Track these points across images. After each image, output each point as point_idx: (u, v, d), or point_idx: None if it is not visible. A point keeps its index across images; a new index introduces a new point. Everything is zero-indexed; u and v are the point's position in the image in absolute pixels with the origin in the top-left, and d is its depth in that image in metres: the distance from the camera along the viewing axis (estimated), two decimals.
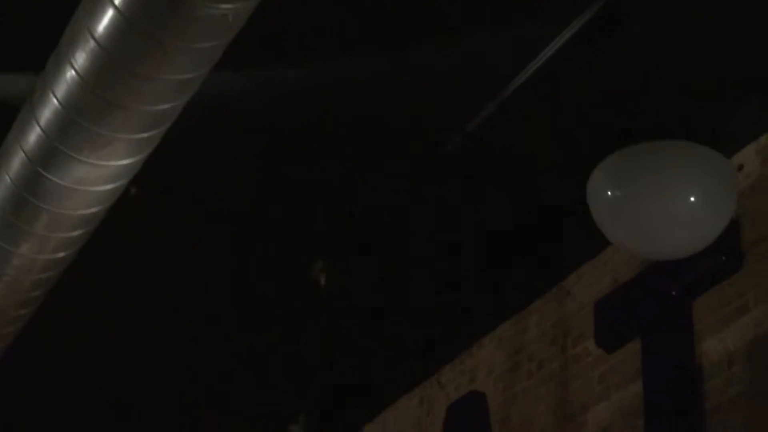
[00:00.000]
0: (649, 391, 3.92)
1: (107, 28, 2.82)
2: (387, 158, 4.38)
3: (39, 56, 3.27)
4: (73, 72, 2.98)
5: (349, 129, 4.24)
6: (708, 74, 3.68)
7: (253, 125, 4.19)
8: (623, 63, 3.57)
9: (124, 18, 2.76)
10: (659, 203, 2.90)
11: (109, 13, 2.78)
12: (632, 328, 4.16)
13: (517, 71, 3.74)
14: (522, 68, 3.71)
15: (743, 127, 4.01)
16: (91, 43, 2.87)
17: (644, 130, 3.20)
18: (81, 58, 2.93)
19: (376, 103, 3.99)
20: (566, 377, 4.46)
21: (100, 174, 3.31)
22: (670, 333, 3.97)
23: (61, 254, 3.72)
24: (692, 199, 2.93)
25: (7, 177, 3.43)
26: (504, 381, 4.84)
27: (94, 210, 3.51)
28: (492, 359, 4.99)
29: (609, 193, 3.02)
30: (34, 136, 3.25)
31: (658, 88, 3.57)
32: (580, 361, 4.42)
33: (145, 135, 3.18)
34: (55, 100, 3.10)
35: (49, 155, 3.26)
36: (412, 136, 4.26)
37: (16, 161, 3.37)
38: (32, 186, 3.39)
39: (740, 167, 3.98)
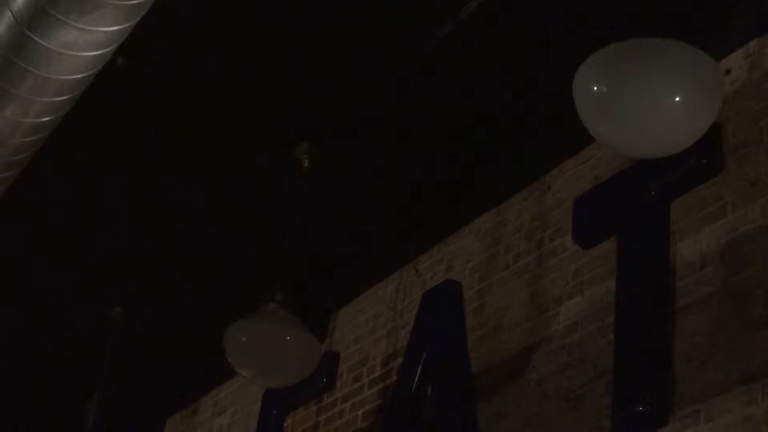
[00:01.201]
0: (621, 288, 3.98)
1: None
2: (378, 44, 4.37)
3: None
4: None
5: (343, 11, 4.23)
6: None
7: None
8: None
9: None
10: (644, 100, 2.90)
11: None
12: (609, 225, 4.21)
13: None
14: None
15: (733, 32, 4.01)
16: None
17: (635, 28, 3.18)
18: None
19: None
20: (541, 271, 4.52)
21: (87, 39, 3.30)
22: (646, 232, 4.01)
23: (46, 119, 3.73)
24: (678, 98, 2.93)
25: None
26: (480, 271, 4.90)
27: (79, 76, 3.50)
28: (470, 249, 5.04)
29: (595, 88, 3.01)
30: None
31: None
32: (556, 255, 4.48)
33: (134, 1, 3.15)
34: None
35: (37, 18, 3.24)
36: (403, 24, 4.25)
37: (3, 23, 3.35)
38: (19, 48, 3.38)
39: (728, 72, 3.99)
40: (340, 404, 5.44)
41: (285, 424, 5.82)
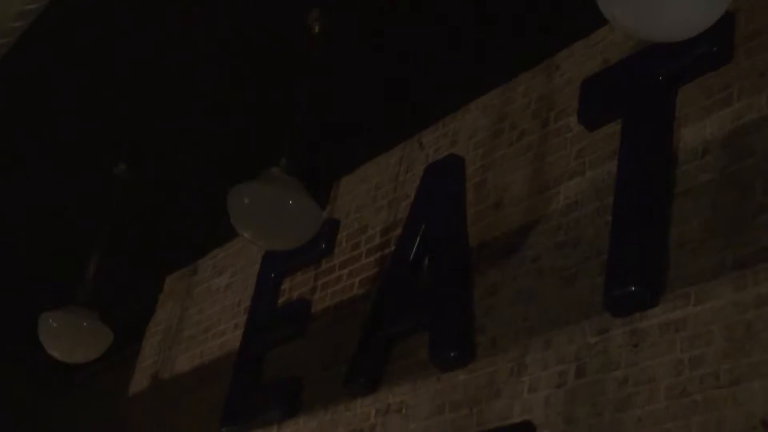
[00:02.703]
0: (622, 170, 4.03)
1: None
2: None
3: None
4: None
5: None
6: None
7: None
8: None
9: None
10: None
11: None
12: (615, 108, 4.24)
13: None
14: None
15: None
16: None
17: None
18: None
19: None
20: (545, 150, 4.56)
21: None
22: (651, 116, 4.05)
23: None
24: None
25: None
26: (484, 147, 4.94)
27: None
28: (475, 125, 5.07)
29: None
30: None
31: None
32: (560, 135, 4.51)
33: None
34: None
35: None
36: None
37: None
38: None
39: None
40: (337, 270, 5.54)
41: (282, 287, 5.94)
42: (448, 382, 4.39)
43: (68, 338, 5.69)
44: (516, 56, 4.89)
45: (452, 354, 4.39)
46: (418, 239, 4.92)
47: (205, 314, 6.61)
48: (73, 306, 5.72)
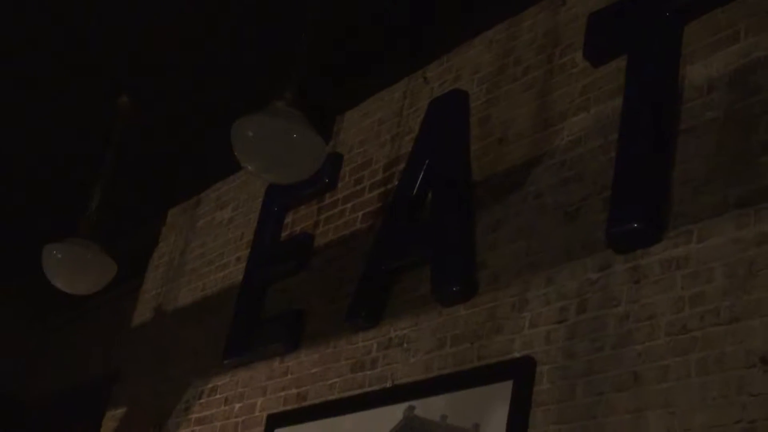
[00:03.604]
0: (627, 107, 4.02)
1: None
2: None
3: None
4: None
5: None
6: None
7: None
8: None
9: None
10: None
11: None
12: (621, 44, 4.21)
13: None
14: None
15: None
16: None
17: None
18: None
19: None
20: (549, 85, 4.54)
21: None
22: (657, 53, 4.02)
23: None
24: None
25: None
26: (488, 82, 4.92)
27: None
28: (479, 60, 5.05)
29: None
30: None
31: None
32: (566, 71, 4.49)
33: None
34: None
35: None
36: None
37: None
38: None
39: None
40: (340, 205, 5.55)
41: (285, 221, 5.95)
42: (449, 317, 4.42)
43: (72, 269, 5.72)
44: None
45: (454, 289, 4.41)
46: (421, 174, 4.93)
47: (207, 247, 6.64)
48: (76, 238, 5.74)
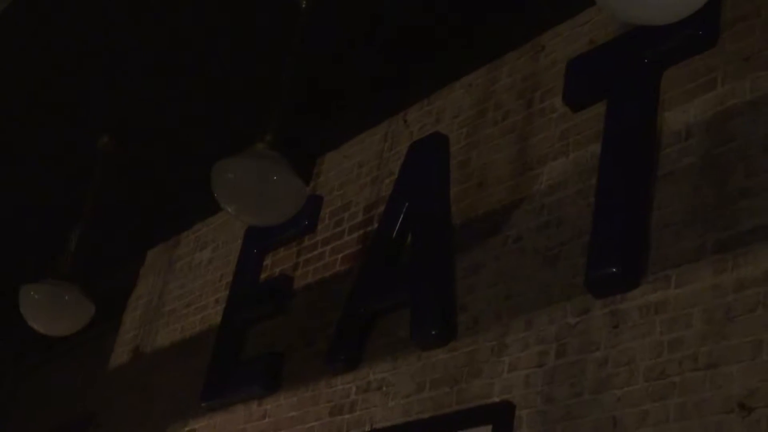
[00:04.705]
0: (606, 152, 4.05)
1: None
2: None
3: None
4: None
5: None
6: None
7: None
8: None
9: None
10: None
11: None
12: (600, 89, 4.25)
13: None
14: None
15: None
16: None
17: None
18: None
19: None
20: (529, 130, 4.57)
21: None
22: (635, 99, 4.05)
23: None
24: None
25: None
26: (468, 126, 4.94)
27: None
28: (460, 104, 5.08)
29: None
30: None
31: None
32: (545, 116, 4.52)
33: None
34: None
35: None
36: None
37: None
38: None
39: None
40: (320, 247, 5.54)
41: (264, 263, 5.94)
42: (428, 361, 4.41)
43: (50, 310, 5.68)
44: (502, 36, 4.89)
45: (433, 332, 4.41)
46: (401, 217, 4.93)
47: (186, 288, 6.61)
48: (54, 279, 5.70)
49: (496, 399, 4.00)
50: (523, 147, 4.55)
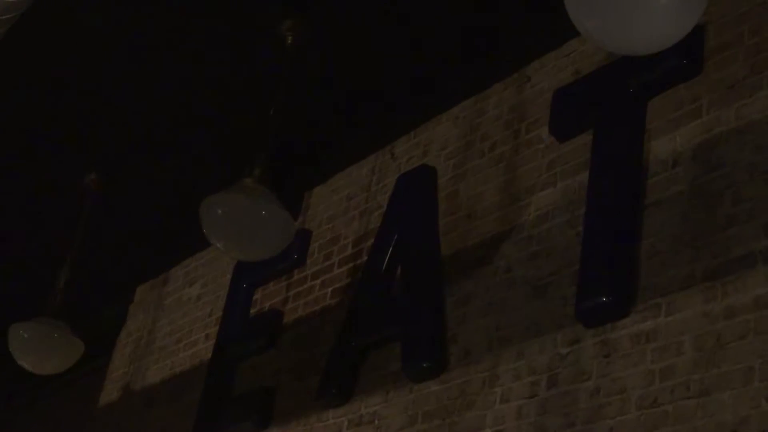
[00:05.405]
0: (593, 182, 4.06)
1: None
2: None
3: None
4: None
5: None
6: None
7: None
8: None
9: None
10: None
11: None
12: (586, 119, 4.27)
13: None
14: None
15: None
16: None
17: None
18: None
19: None
20: (516, 161, 4.58)
21: None
22: (622, 128, 4.08)
23: None
24: None
25: None
26: (456, 158, 4.95)
27: None
28: (447, 136, 5.09)
29: None
30: None
31: None
32: (532, 146, 4.54)
33: None
34: None
35: None
36: None
37: None
38: None
39: None
40: (309, 281, 5.54)
41: (254, 298, 5.92)
42: (420, 393, 4.40)
43: (39, 349, 5.66)
44: (488, 67, 4.91)
45: (425, 365, 4.40)
46: (390, 250, 4.93)
47: (176, 325, 6.59)
48: (43, 317, 5.68)
49: (489, 431, 3.99)
50: (510, 178, 4.56)
